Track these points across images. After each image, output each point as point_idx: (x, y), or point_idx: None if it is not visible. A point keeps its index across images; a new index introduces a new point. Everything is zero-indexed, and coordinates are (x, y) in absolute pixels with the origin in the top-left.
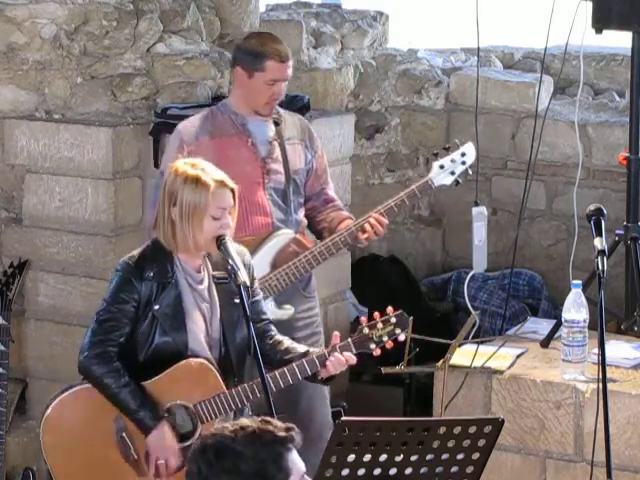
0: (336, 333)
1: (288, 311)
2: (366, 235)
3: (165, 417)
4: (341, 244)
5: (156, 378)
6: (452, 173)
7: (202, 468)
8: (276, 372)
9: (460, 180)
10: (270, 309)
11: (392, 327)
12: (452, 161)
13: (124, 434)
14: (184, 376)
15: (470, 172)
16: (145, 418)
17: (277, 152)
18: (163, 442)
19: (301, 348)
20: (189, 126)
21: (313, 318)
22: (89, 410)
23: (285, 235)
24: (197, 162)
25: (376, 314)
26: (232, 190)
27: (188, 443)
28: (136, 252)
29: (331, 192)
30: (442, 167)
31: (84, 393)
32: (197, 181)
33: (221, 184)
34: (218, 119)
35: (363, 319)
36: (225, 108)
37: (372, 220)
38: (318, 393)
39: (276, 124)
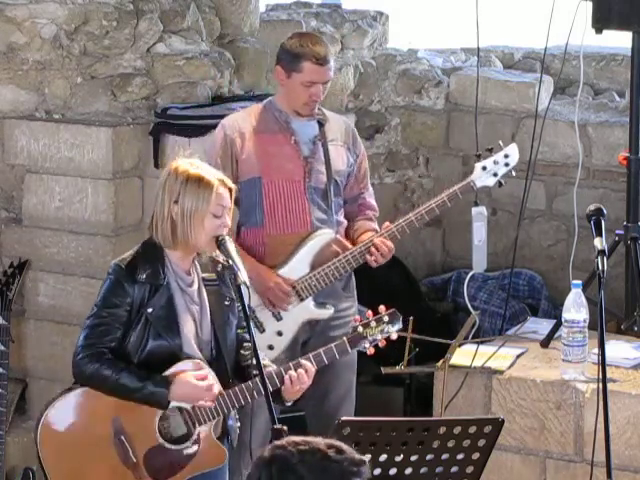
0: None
1: (327, 311)
2: (373, 258)
3: (159, 422)
4: (364, 254)
5: None
6: (495, 175)
7: (262, 478)
8: (236, 388)
9: (503, 182)
10: (309, 308)
11: (385, 325)
12: (495, 162)
13: (122, 437)
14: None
15: (514, 173)
16: (155, 389)
17: (320, 152)
18: (187, 389)
19: (269, 366)
20: (233, 120)
21: (350, 318)
22: (86, 413)
23: (325, 235)
24: (195, 161)
25: (369, 313)
26: (230, 190)
27: (184, 446)
28: (127, 254)
29: (369, 198)
30: (484, 168)
31: (81, 397)
32: (200, 180)
33: (222, 183)
34: (263, 115)
35: (357, 318)
36: (270, 105)
37: (377, 242)
38: (345, 391)
39: (320, 124)
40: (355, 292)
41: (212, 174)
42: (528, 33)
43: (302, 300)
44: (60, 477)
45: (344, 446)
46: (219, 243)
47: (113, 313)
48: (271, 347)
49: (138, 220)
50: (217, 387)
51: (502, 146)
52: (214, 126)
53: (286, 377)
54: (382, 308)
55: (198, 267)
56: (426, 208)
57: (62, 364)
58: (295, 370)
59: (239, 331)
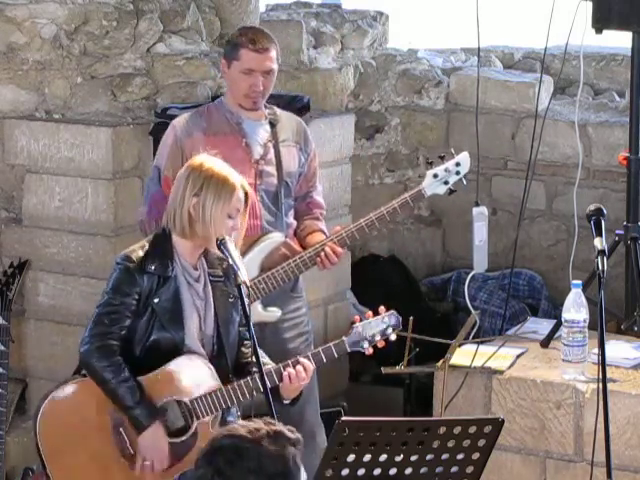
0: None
1: (274, 313)
2: (321, 263)
3: (159, 416)
4: (314, 259)
5: (153, 373)
6: (445, 182)
7: (222, 468)
8: (235, 384)
9: (453, 189)
10: (257, 311)
11: (384, 326)
12: (446, 170)
13: (121, 429)
14: (181, 371)
15: (464, 182)
16: (140, 416)
17: (271, 154)
18: (154, 443)
19: (267, 364)
20: (183, 121)
21: (300, 318)
22: (86, 404)
23: (275, 238)
24: (219, 161)
25: (369, 313)
26: (246, 194)
27: (182, 439)
28: (137, 246)
29: (317, 196)
30: (435, 176)
31: (81, 387)
32: (225, 180)
33: (242, 187)
34: (213, 116)
35: (357, 318)
36: (221, 106)
37: (327, 249)
38: (308, 392)
39: (272, 125)
40: (304, 293)
41: (236, 176)
42: (528, 33)
43: (250, 303)
44: (58, 467)
45: (270, 420)
46: (219, 244)
47: (124, 301)
48: None
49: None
50: (164, 464)
51: (454, 154)
52: None
53: (285, 374)
54: (382, 309)
55: (205, 263)
56: (377, 214)
57: (62, 364)
58: (294, 367)
59: (240, 329)
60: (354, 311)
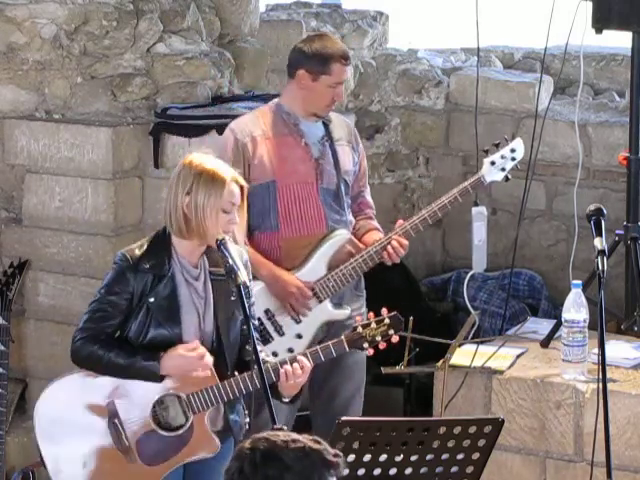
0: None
1: (345, 311)
2: (389, 256)
3: (157, 410)
4: (381, 253)
5: None
6: (502, 169)
7: (245, 468)
8: (231, 380)
9: (510, 176)
10: (327, 310)
11: (385, 328)
12: (502, 157)
13: (116, 420)
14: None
15: (518, 167)
16: (145, 363)
17: (329, 153)
18: (175, 362)
19: (269, 362)
20: (242, 123)
21: (361, 317)
22: (82, 396)
23: (341, 236)
24: (211, 157)
25: (370, 314)
26: (242, 187)
27: (178, 433)
28: (135, 245)
29: (368, 197)
30: (493, 163)
31: (78, 379)
32: (214, 175)
33: (234, 180)
34: (270, 118)
35: (358, 318)
36: (277, 107)
37: (394, 243)
38: (358, 392)
39: (325, 125)
40: (364, 291)
41: (226, 170)
42: (528, 33)
43: (320, 302)
44: (55, 458)
45: (318, 438)
46: (218, 244)
47: (113, 301)
48: (291, 350)
49: (138, 220)
50: (209, 357)
51: (508, 141)
52: (214, 126)
53: (281, 371)
54: (384, 310)
55: (206, 261)
56: (439, 205)
57: (62, 364)
58: (291, 365)
59: (244, 327)
60: None
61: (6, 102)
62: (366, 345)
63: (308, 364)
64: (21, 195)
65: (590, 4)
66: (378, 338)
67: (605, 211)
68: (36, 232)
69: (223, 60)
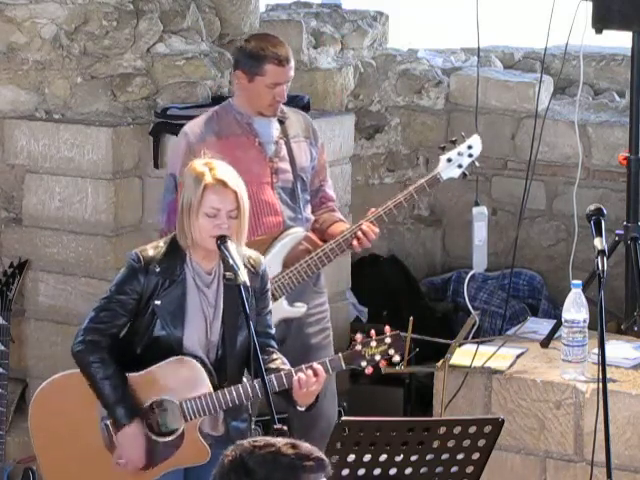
0: (357, 335)
1: (300, 309)
2: (359, 242)
3: (156, 410)
4: (337, 250)
5: (144, 371)
6: (459, 166)
7: (216, 474)
8: (226, 389)
9: (467, 173)
10: (282, 307)
11: (386, 347)
12: (459, 154)
13: (108, 422)
14: (172, 372)
15: (477, 164)
16: (120, 414)
17: (284, 151)
18: (130, 443)
19: (287, 369)
20: (195, 127)
21: (323, 314)
22: (77, 395)
23: (296, 234)
24: (211, 161)
25: (372, 332)
26: (235, 193)
27: (169, 439)
28: (151, 245)
29: (329, 190)
30: (449, 160)
31: (74, 378)
32: (196, 177)
33: (220, 184)
34: (223, 119)
35: (358, 336)
36: (230, 108)
37: (364, 228)
38: (328, 390)
39: (281, 122)
40: (325, 288)
41: (214, 174)
42: (528, 33)
43: (275, 300)
44: (47, 455)
45: (302, 444)
46: (219, 243)
47: (121, 300)
48: None
49: (138, 220)
50: (138, 464)
51: (465, 137)
52: None
53: (294, 379)
54: (387, 329)
55: (222, 267)
56: (394, 202)
57: (62, 364)
58: (304, 372)
59: (261, 338)
60: (354, 311)
61: (6, 102)
62: (364, 364)
63: (323, 372)
64: (21, 195)
65: (590, 4)
66: (377, 357)
67: (605, 211)
68: (36, 232)
69: (223, 60)
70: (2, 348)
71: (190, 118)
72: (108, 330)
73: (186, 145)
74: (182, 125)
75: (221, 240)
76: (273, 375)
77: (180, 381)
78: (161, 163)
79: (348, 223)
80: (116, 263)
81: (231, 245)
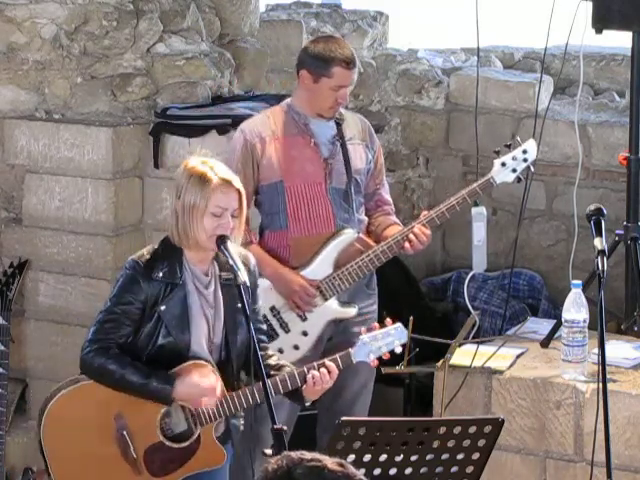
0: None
1: (351, 310)
2: (411, 244)
3: (165, 422)
4: (389, 252)
5: None
6: (514, 171)
7: None
8: (239, 391)
9: (522, 177)
10: (333, 308)
11: (390, 338)
12: (514, 158)
13: (124, 432)
14: (187, 377)
15: (532, 169)
16: (159, 386)
17: (339, 152)
18: (190, 389)
19: (287, 367)
20: (252, 124)
21: (372, 314)
22: (91, 406)
23: (348, 235)
24: (208, 160)
25: (375, 325)
26: (239, 192)
27: (185, 445)
28: (145, 250)
29: (385, 194)
30: (504, 165)
31: (87, 389)
32: (201, 177)
33: (226, 183)
34: (280, 118)
35: (362, 329)
36: (287, 108)
37: (416, 230)
38: (366, 389)
39: (338, 124)
40: (377, 289)
41: (217, 173)
42: (528, 33)
43: (326, 300)
44: (61, 468)
45: (348, 464)
46: (219, 243)
47: (125, 310)
48: (296, 347)
49: (138, 220)
50: (220, 387)
51: (520, 142)
52: (214, 126)
53: (309, 377)
54: (388, 321)
55: (217, 269)
56: (447, 205)
57: (62, 364)
58: (318, 370)
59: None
60: None
61: (6, 102)
62: (371, 357)
63: (336, 370)
64: (21, 195)
65: (590, 4)
66: (383, 349)
67: (605, 211)
68: (36, 232)
69: (223, 60)
70: (2, 348)
71: (190, 118)
72: (113, 341)
73: (243, 143)
74: (182, 125)
75: (221, 240)
76: (286, 375)
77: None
78: (161, 163)
79: (403, 227)
80: (116, 263)
81: (231, 245)
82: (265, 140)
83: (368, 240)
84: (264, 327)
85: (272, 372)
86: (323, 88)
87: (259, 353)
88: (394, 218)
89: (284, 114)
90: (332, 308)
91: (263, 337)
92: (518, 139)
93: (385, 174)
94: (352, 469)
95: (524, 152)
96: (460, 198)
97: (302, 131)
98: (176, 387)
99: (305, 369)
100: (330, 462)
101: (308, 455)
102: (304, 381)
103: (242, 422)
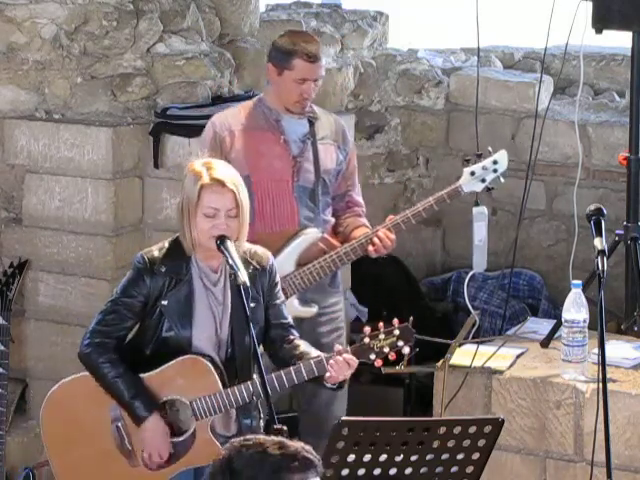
0: (337, 346)
1: (311, 309)
2: (374, 248)
3: (167, 411)
4: (352, 254)
5: (154, 371)
6: (483, 180)
7: (207, 477)
8: (273, 375)
9: (491, 187)
10: (293, 306)
11: (395, 339)
12: (484, 168)
13: (119, 424)
14: (182, 372)
15: (502, 180)
16: (138, 409)
17: (309, 151)
18: (153, 435)
19: (314, 353)
20: (223, 118)
21: (337, 313)
22: (87, 398)
23: (312, 234)
24: (210, 161)
25: (380, 324)
26: (234, 192)
27: (181, 439)
28: (156, 246)
29: (356, 196)
30: (473, 174)
31: (83, 381)
32: (194, 176)
33: (217, 183)
34: (252, 113)
35: (366, 329)
36: (260, 103)
37: (380, 234)
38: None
39: (310, 122)
40: (341, 287)
41: (212, 174)
42: (528, 33)
43: (286, 298)
44: (59, 459)
45: (291, 443)
46: (218, 243)
47: (128, 303)
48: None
49: (138, 220)
50: (164, 455)
51: (491, 152)
52: None
53: (331, 361)
54: (395, 321)
55: (228, 267)
56: (413, 211)
57: (62, 364)
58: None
59: (276, 330)
60: (354, 311)
61: (6, 102)
62: (373, 357)
63: (355, 361)
64: (21, 195)
65: (590, 4)
66: (386, 350)
67: (605, 211)
68: (36, 232)
69: (223, 60)
70: (2, 348)
71: (190, 118)
72: (115, 333)
73: (212, 135)
74: (182, 125)
75: (221, 240)
76: (302, 364)
77: (191, 380)
78: (161, 163)
79: (370, 228)
80: (116, 263)
81: (231, 245)
82: (234, 133)
83: (332, 240)
84: (287, 321)
85: (299, 361)
86: (286, 81)
87: (259, 352)
88: (364, 220)
89: (255, 109)
90: (292, 307)
91: (290, 331)
92: (489, 149)
93: (357, 175)
94: (294, 447)
95: (494, 162)
96: (427, 204)
97: (272, 127)
98: (149, 420)
99: (323, 358)
100: (271, 444)
101: (250, 440)
102: (323, 370)
103: (262, 424)
